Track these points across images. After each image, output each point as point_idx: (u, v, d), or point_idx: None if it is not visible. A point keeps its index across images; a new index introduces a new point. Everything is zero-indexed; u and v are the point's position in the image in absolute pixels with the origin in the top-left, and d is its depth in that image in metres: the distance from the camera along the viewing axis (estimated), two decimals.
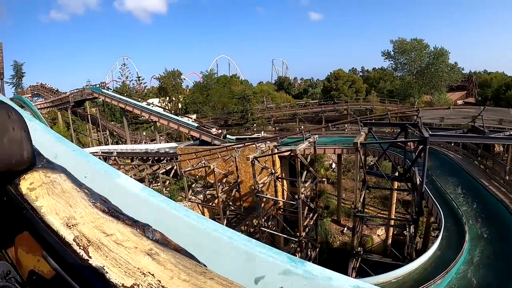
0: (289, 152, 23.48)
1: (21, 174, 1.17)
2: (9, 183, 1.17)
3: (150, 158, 34.46)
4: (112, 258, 0.85)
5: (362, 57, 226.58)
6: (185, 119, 38.04)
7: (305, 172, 24.10)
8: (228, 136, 33.05)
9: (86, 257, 0.85)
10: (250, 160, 22.94)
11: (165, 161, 32.63)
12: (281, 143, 27.94)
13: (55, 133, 1.76)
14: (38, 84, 74.61)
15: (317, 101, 58.44)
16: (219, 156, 27.44)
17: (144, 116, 40.80)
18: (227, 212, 28.21)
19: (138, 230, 0.98)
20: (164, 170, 30.95)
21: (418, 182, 18.81)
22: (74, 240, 0.90)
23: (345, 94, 60.24)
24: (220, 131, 33.16)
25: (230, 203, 28.54)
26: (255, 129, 44.73)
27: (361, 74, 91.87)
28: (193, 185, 30.03)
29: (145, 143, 44.20)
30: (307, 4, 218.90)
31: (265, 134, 35.11)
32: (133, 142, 45.27)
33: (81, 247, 0.88)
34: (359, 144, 19.64)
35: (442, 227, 16.75)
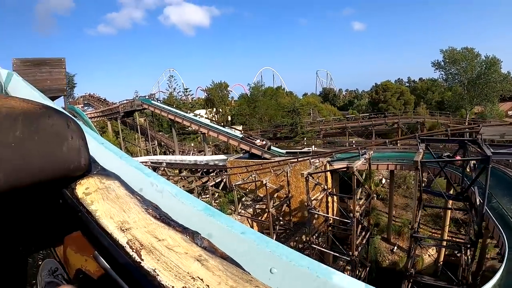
0: (345, 169, 22.56)
1: (77, 179, 1.25)
2: (65, 187, 1.25)
3: (199, 169, 34.33)
4: (163, 262, 0.90)
5: (408, 67, 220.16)
6: (231, 131, 37.83)
7: (360, 189, 23.03)
8: (277, 149, 32.44)
9: (139, 260, 0.90)
10: (305, 176, 22.14)
11: (214, 174, 32.39)
12: (335, 158, 27.01)
13: (106, 141, 1.84)
14: (87, 94, 77.46)
15: (367, 114, 56.65)
16: (272, 170, 26.79)
17: (193, 128, 40.90)
18: (277, 227, 27.50)
19: (188, 237, 1.02)
20: (213, 182, 30.70)
21: (478, 202, 17.40)
22: (127, 243, 0.95)
23: (393, 107, 58.57)
24: (264, 142, 32.51)
25: (280, 218, 27.87)
26: (305, 143, 43.60)
27: (407, 84, 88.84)
28: (243, 199, 29.58)
29: (192, 154, 44.26)
30: (349, 14, 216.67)
31: (315, 148, 34.18)
32: (180, 152, 45.45)
33: (134, 250, 0.93)
34: (419, 162, 18.57)
35: (507, 251, 15.38)
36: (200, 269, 0.87)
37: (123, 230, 1.01)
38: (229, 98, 70.39)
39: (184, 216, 1.17)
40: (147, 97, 49.83)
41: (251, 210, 27.39)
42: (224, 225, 1.15)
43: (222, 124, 44.35)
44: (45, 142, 1.09)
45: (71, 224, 1.40)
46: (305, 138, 46.06)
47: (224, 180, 31.51)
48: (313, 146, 35.71)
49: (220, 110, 61.75)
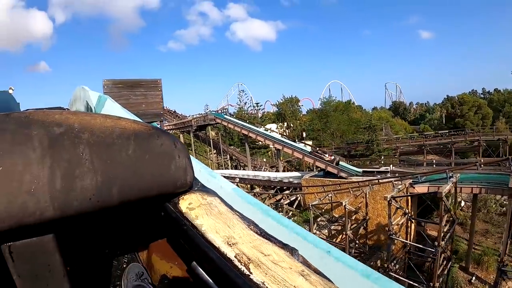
0: (429, 192, 21.20)
1: (180, 195, 1.34)
2: (167, 201, 1.35)
3: (272, 186, 33.69)
4: (271, 276, 0.92)
5: (480, 77, 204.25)
6: (301, 145, 37.10)
7: (445, 215, 21.50)
8: (352, 167, 31.11)
9: (248, 273, 0.93)
10: (388, 199, 21.02)
11: (288, 192, 31.78)
12: (419, 180, 25.44)
13: (195, 159, 1.94)
14: (165, 108, 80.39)
15: (446, 131, 53.39)
16: (351, 191, 25.80)
17: (266, 143, 40.74)
18: (352, 250, 26.38)
19: (288, 253, 1.04)
20: (288, 201, 30.11)
21: None
22: (235, 257, 0.99)
23: (471, 122, 54.86)
24: (333, 157, 31.39)
25: (356, 240, 26.76)
26: (382, 162, 41.40)
27: (482, 96, 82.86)
28: (318, 219, 28.76)
29: (264, 169, 43.97)
30: (415, 23, 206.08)
31: (393, 167, 32.59)
32: (252, 167, 45.36)
33: (243, 264, 0.96)
34: None
35: None
36: (305, 284, 0.90)
37: (230, 244, 1.05)
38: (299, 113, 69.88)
39: (272, 233, 1.20)
40: (219, 111, 50.59)
41: (326, 231, 26.55)
42: (310, 244, 1.22)
43: (294, 139, 43.87)
44: (155, 160, 1.19)
45: (159, 233, 1.69)
46: (382, 157, 44.03)
47: (299, 198, 30.81)
48: (390, 166, 34.04)
49: (292, 125, 61.32)
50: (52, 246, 1.10)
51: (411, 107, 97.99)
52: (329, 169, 30.19)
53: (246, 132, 40.52)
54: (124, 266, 1.81)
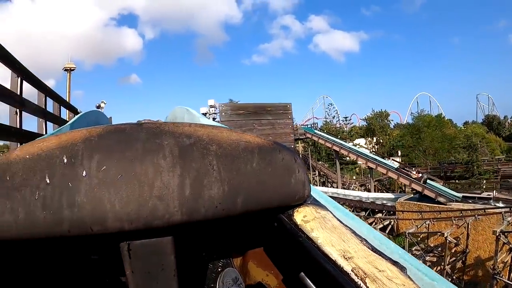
0: None
1: (295, 207, 1.39)
2: (282, 212, 1.41)
3: (364, 207, 31.72)
4: None
5: None
6: (389, 162, 35.36)
7: None
8: (450, 191, 28.95)
9: (364, 287, 0.95)
10: (497, 234, 19.21)
11: (381, 215, 30.31)
12: None
13: None
14: None
15: None
16: (453, 221, 23.77)
17: (358, 162, 39.54)
18: None
19: (400, 270, 1.05)
20: (381, 225, 28.80)
21: None
22: (352, 270, 1.01)
23: None
24: (420, 174, 29.47)
25: (453, 275, 24.84)
26: (483, 186, 37.73)
27: None
28: (413, 248, 27.21)
29: (353, 188, 42.35)
30: (506, 26, 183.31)
31: (496, 193, 29.83)
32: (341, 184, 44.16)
33: (359, 278, 0.98)
34: None
35: None
36: None
37: (346, 258, 1.07)
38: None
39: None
40: (311, 126, 50.04)
41: (421, 261, 24.91)
42: (415, 269, 1.20)
43: (384, 156, 42.03)
44: (277, 174, 1.26)
45: (257, 241, 1.80)
46: (483, 181, 40.01)
47: (392, 223, 29.31)
48: (493, 191, 31.15)
49: (381, 140, 59.20)
50: (169, 247, 1.21)
51: (506, 121, 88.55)
52: (426, 192, 28.32)
53: (337, 149, 39.30)
54: (219, 270, 1.88)
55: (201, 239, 1.92)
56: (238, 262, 1.93)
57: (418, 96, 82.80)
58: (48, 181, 1.03)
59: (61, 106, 9.60)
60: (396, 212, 28.46)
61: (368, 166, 36.51)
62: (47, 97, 7.51)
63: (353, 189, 40.35)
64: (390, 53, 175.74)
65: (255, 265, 1.74)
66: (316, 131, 45.77)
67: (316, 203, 1.45)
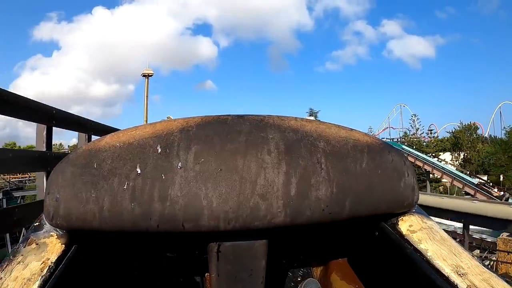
0: None
1: (399, 215, 1.24)
2: (385, 220, 1.26)
3: (458, 239, 28.04)
4: None
5: None
6: (475, 180, 31.63)
7: None
8: None
9: None
10: None
11: (478, 252, 26.38)
12: None
13: None
14: None
15: None
16: None
17: (444, 180, 35.78)
18: None
19: None
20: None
21: None
22: None
23: None
24: (502, 193, 27.47)
25: None
26: None
27: None
28: None
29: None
30: None
31: None
32: None
33: None
34: None
35: None
36: None
37: (459, 274, 0.97)
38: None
39: None
40: (396, 140, 46.63)
41: None
42: None
43: (472, 174, 37.77)
44: (387, 176, 1.14)
45: (341, 251, 1.64)
46: None
47: (491, 263, 25.48)
48: None
49: (470, 157, 53.71)
50: (261, 251, 1.13)
51: None
52: None
53: (429, 169, 35.46)
54: (299, 279, 1.73)
55: (285, 244, 1.69)
56: (319, 273, 1.75)
57: (502, 106, 74.69)
58: (139, 171, 0.99)
59: None
60: (497, 251, 24.75)
61: (465, 192, 32.45)
62: None
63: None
64: (468, 58, 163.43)
65: (339, 277, 1.56)
66: (404, 146, 42.19)
67: (421, 212, 1.29)
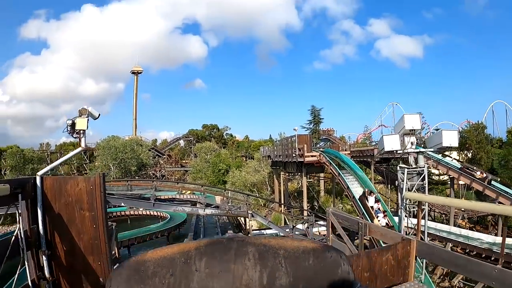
0: None
1: None
2: None
3: (493, 258, 19.76)
4: None
5: None
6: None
7: None
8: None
9: None
10: None
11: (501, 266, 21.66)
12: None
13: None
14: (327, 129, 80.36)
15: None
16: None
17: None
18: None
19: None
20: None
21: None
22: None
23: None
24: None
25: None
26: None
27: None
28: None
29: (462, 223, 33.47)
30: None
31: None
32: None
33: None
34: None
35: None
36: None
37: None
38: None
39: None
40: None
41: None
42: None
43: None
44: (327, 267, 1.70)
45: None
46: None
47: None
48: None
49: (480, 158, 50.05)
50: None
51: None
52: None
53: (456, 175, 30.51)
54: None
55: None
56: None
57: (494, 105, 72.08)
58: (171, 274, 1.56)
59: None
60: None
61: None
62: None
63: (459, 226, 30.67)
64: (458, 57, 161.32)
65: None
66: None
67: None
